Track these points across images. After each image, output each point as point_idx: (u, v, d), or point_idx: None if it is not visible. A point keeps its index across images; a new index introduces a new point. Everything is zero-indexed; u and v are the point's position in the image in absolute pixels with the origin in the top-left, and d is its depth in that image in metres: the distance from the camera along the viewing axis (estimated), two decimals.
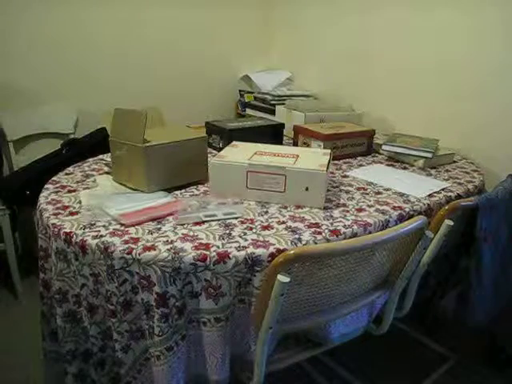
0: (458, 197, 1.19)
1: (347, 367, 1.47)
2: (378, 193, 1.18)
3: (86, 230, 0.88)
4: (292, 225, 0.95)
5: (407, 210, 1.07)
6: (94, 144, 1.79)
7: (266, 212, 1.02)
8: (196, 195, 1.12)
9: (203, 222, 0.94)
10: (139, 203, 1.01)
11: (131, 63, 2.20)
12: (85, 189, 1.13)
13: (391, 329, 1.09)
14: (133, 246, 0.82)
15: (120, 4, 2.08)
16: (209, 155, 1.23)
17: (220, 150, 1.36)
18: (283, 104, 2.03)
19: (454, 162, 1.54)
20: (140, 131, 1.04)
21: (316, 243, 0.88)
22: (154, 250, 0.81)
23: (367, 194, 1.17)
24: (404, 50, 1.85)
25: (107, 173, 1.26)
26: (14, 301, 1.80)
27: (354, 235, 0.94)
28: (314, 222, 0.97)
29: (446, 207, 0.99)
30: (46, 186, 1.14)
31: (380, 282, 0.99)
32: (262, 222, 0.96)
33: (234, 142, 1.25)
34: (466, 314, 1.13)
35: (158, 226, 0.91)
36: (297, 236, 0.90)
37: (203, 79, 2.46)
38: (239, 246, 0.84)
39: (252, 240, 0.87)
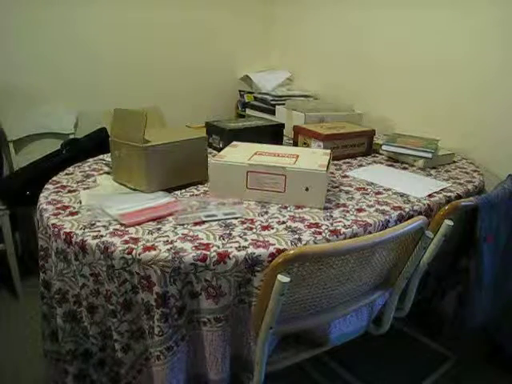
0: (458, 197, 1.19)
1: (347, 367, 1.47)
2: (378, 193, 1.18)
3: (86, 230, 0.88)
4: (292, 225, 0.95)
5: (407, 210, 1.07)
6: (94, 144, 1.79)
7: (266, 212, 1.02)
8: (196, 195, 1.12)
9: (203, 222, 0.94)
10: (139, 203, 1.01)
11: (131, 63, 2.20)
12: (85, 189, 1.13)
13: (391, 329, 1.09)
14: (133, 245, 0.82)
15: (120, 5, 2.08)
16: (209, 155, 1.23)
17: (220, 150, 1.36)
18: (283, 104, 2.03)
19: (454, 162, 1.54)
20: (140, 131, 1.04)
21: (316, 243, 0.88)
22: (154, 249, 0.81)
23: (367, 194, 1.17)
24: (404, 50, 1.85)
25: (107, 173, 1.26)
26: (14, 301, 1.80)
27: (354, 235, 0.94)
28: (313, 222, 0.97)
29: (446, 207, 0.99)
30: (46, 186, 1.14)
31: (380, 282, 0.99)
32: (261, 222, 0.96)
33: (234, 142, 1.25)
34: (466, 314, 1.13)
35: (158, 226, 0.91)
36: (297, 236, 0.90)
37: (203, 79, 2.46)
38: (239, 246, 0.84)
39: (252, 240, 0.87)
